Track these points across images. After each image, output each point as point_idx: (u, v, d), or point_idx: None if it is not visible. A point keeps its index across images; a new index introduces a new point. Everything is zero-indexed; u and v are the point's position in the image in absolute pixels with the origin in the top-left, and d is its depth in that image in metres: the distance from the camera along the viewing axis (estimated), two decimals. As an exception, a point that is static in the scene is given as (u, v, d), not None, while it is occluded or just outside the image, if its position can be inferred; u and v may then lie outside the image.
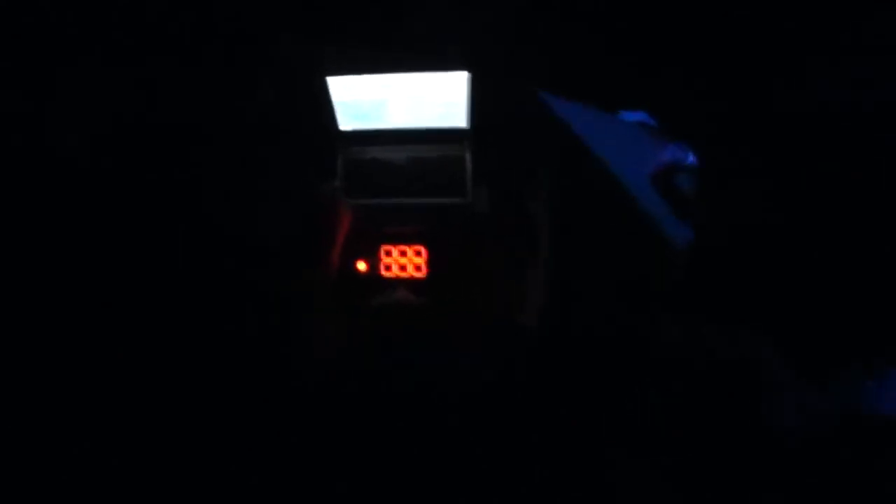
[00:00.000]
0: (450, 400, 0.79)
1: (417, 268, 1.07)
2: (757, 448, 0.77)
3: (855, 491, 0.72)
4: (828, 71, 0.94)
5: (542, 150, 1.04)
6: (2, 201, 1.05)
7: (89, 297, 1.03)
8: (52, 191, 1.07)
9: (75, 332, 1.01)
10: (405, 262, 1.07)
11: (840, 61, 0.93)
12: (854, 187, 0.91)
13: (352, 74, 1.01)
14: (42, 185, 1.07)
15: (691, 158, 0.95)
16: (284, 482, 0.77)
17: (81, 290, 1.04)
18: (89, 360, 0.99)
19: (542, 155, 1.03)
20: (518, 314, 0.89)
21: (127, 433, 0.93)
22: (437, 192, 1.07)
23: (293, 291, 0.96)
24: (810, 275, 0.89)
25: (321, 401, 0.79)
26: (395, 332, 0.87)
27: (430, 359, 0.83)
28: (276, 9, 1.01)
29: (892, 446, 0.73)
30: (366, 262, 1.07)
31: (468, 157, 1.06)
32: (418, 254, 1.07)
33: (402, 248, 1.07)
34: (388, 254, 1.07)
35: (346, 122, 1.07)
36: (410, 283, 1.05)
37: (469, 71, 0.98)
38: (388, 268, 1.07)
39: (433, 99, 1.02)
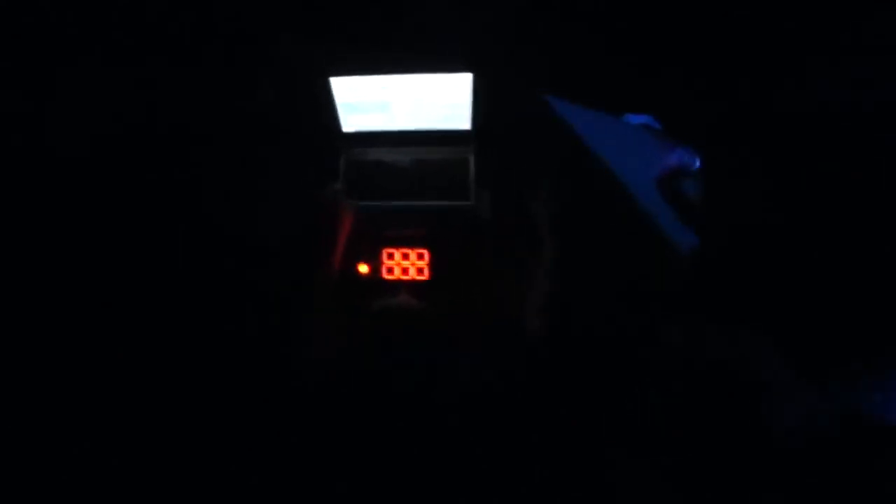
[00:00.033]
0: (450, 400, 0.79)
1: (420, 271, 1.06)
2: (757, 448, 0.77)
3: (855, 491, 0.72)
4: (828, 71, 0.94)
5: (546, 153, 1.03)
6: (2, 201, 1.05)
7: (89, 297, 1.03)
8: (52, 191, 1.07)
9: (75, 331, 1.01)
10: (407, 264, 1.07)
11: (840, 61, 0.93)
12: (854, 187, 0.91)
13: (355, 75, 1.01)
14: (42, 185, 1.07)
15: (698, 164, 0.95)
16: (284, 482, 0.77)
17: (81, 289, 1.04)
18: (89, 359, 0.99)
19: (546, 158, 1.03)
20: (520, 318, 0.89)
21: (127, 433, 0.93)
22: (440, 195, 1.07)
23: (293, 292, 0.96)
24: (810, 275, 0.89)
25: (321, 401, 0.79)
26: (395, 334, 0.87)
27: (430, 359, 0.83)
28: (276, 9, 1.01)
29: (893, 447, 0.73)
30: (367, 264, 1.07)
31: (471, 159, 1.06)
32: (420, 257, 1.07)
33: (405, 250, 1.07)
34: (391, 256, 1.07)
35: (348, 124, 1.07)
36: (412, 286, 1.05)
37: (473, 73, 0.98)
38: (389, 270, 1.07)
39: (437, 101, 1.02)
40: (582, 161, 0.98)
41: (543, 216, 0.93)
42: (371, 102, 1.04)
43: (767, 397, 0.81)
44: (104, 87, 1.06)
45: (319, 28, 1.02)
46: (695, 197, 0.97)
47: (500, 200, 1.06)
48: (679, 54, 0.99)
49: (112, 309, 1.03)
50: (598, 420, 0.86)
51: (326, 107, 1.04)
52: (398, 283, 1.05)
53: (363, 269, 1.07)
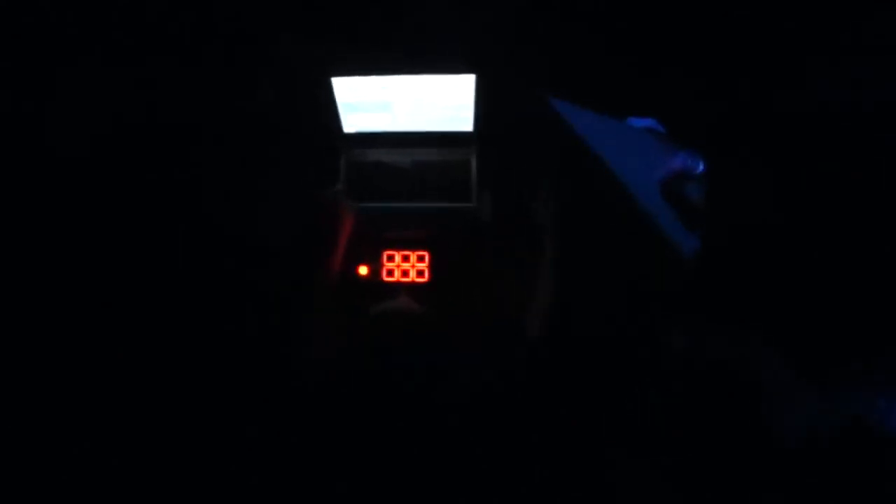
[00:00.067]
0: (450, 400, 0.79)
1: (420, 273, 1.05)
2: (757, 449, 0.77)
3: (855, 492, 0.72)
4: (828, 71, 0.94)
5: (548, 155, 1.03)
6: (2, 201, 1.05)
7: (89, 297, 1.03)
8: (52, 191, 1.07)
9: (75, 331, 1.01)
10: (407, 267, 1.06)
11: (840, 61, 0.93)
12: (854, 187, 0.91)
13: (358, 76, 1.00)
14: (42, 185, 1.07)
15: (702, 167, 0.94)
16: (284, 482, 0.77)
17: (81, 289, 1.04)
18: (89, 359, 0.99)
19: (548, 160, 1.03)
20: (521, 319, 0.89)
21: (127, 433, 0.93)
22: (441, 197, 1.06)
23: (293, 292, 0.96)
24: (811, 276, 0.89)
25: (321, 401, 0.79)
26: (395, 337, 0.87)
27: (430, 360, 0.83)
28: (276, 9, 1.01)
29: (893, 448, 0.73)
30: (367, 266, 1.06)
31: (473, 161, 1.06)
32: (421, 259, 1.06)
33: (405, 252, 1.06)
34: (391, 258, 1.06)
35: (349, 124, 1.07)
36: (412, 288, 1.04)
37: (476, 74, 0.97)
38: (390, 273, 1.06)
39: (438, 102, 1.02)
40: (584, 163, 0.98)
41: (545, 218, 0.93)
42: (372, 103, 1.03)
43: (768, 398, 0.81)
44: (104, 87, 1.06)
45: (320, 28, 1.02)
46: (698, 200, 0.97)
47: (502, 202, 1.06)
48: (679, 54, 0.99)
49: (112, 309, 1.03)
50: (598, 420, 0.86)
51: (327, 107, 1.04)
52: (398, 286, 1.05)
53: (363, 270, 1.06)
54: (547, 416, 0.85)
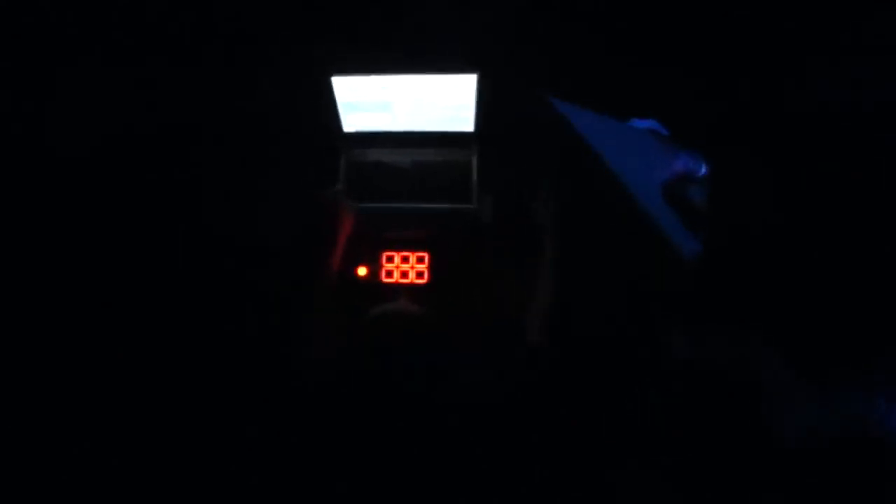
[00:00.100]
0: (450, 401, 0.79)
1: (419, 274, 1.04)
2: (757, 449, 0.77)
3: (855, 493, 0.72)
4: (828, 71, 0.94)
5: (549, 156, 1.03)
6: (2, 201, 1.05)
7: (89, 297, 1.03)
8: (53, 190, 1.07)
9: (75, 331, 1.01)
10: (407, 268, 1.05)
11: (840, 61, 0.93)
12: (854, 187, 0.91)
13: (358, 75, 1.00)
14: (42, 185, 1.07)
15: (704, 170, 0.94)
16: (284, 482, 0.77)
17: (81, 289, 1.04)
18: (89, 359, 0.99)
19: (549, 161, 1.02)
20: (521, 321, 0.88)
21: (127, 433, 0.93)
22: (441, 198, 1.05)
23: (293, 292, 0.96)
24: (811, 277, 0.89)
25: (321, 401, 0.79)
26: (394, 339, 0.85)
27: (430, 361, 0.83)
28: (276, 9, 1.01)
29: (893, 449, 0.73)
30: (366, 267, 1.05)
31: (474, 161, 1.05)
32: (420, 260, 1.05)
33: (405, 253, 1.05)
34: (390, 259, 1.05)
35: (349, 124, 1.06)
36: (412, 289, 1.03)
37: (478, 73, 0.96)
38: (389, 274, 1.05)
39: (440, 102, 1.01)
40: (585, 164, 0.98)
41: (545, 218, 0.93)
42: (372, 102, 1.03)
43: (768, 399, 0.81)
44: (104, 87, 1.06)
45: (320, 28, 1.02)
46: (700, 203, 0.96)
47: (502, 204, 1.05)
48: (679, 54, 0.99)
49: (112, 308, 1.03)
50: (598, 420, 0.86)
51: (327, 106, 1.03)
52: (397, 287, 1.04)
53: (362, 271, 1.05)
54: (547, 416, 0.85)
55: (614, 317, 0.95)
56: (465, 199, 1.05)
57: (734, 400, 0.81)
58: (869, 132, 0.93)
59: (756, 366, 0.84)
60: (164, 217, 1.09)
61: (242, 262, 1.06)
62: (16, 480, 0.88)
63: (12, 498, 0.88)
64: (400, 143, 1.07)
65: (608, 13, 0.97)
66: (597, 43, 1.00)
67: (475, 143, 1.05)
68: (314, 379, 0.82)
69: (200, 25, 1.01)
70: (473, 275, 1.02)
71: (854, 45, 0.90)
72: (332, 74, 1.00)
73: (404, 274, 1.05)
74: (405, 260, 1.05)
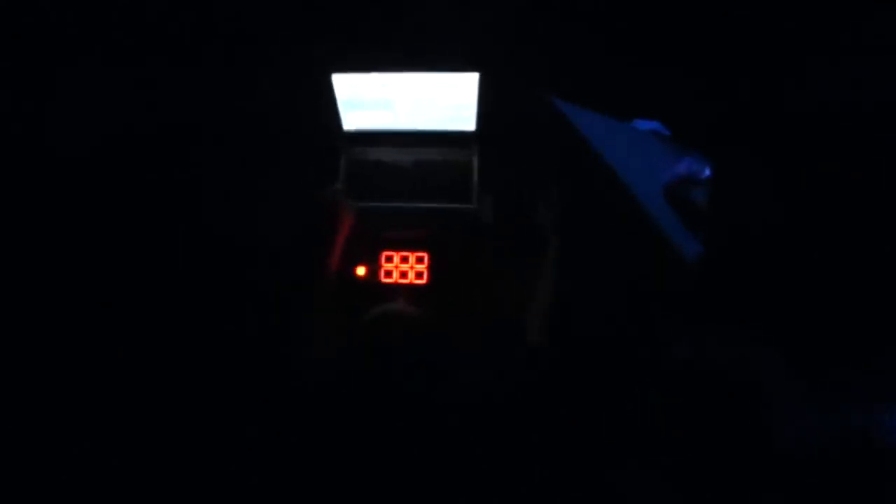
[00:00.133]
0: (450, 401, 0.79)
1: (419, 275, 1.04)
2: (757, 450, 0.77)
3: (855, 493, 0.72)
4: (828, 71, 0.94)
5: (551, 157, 1.02)
6: (2, 201, 1.05)
7: (89, 297, 1.03)
8: (53, 190, 1.07)
9: (75, 331, 1.01)
10: (406, 268, 1.04)
11: (840, 61, 0.92)
12: (854, 187, 0.91)
13: (359, 72, 0.99)
14: (42, 185, 1.07)
15: (707, 172, 0.94)
16: (284, 482, 0.77)
17: (82, 289, 1.04)
18: (89, 359, 0.99)
19: (551, 161, 1.02)
20: (521, 322, 0.87)
21: (127, 433, 0.93)
22: (441, 197, 1.05)
23: (293, 292, 0.96)
24: (811, 278, 0.89)
25: (321, 401, 0.79)
26: (392, 339, 0.84)
27: (430, 361, 0.82)
28: (276, 9, 1.01)
29: (892, 450, 0.73)
30: (365, 267, 1.04)
31: (475, 161, 1.04)
32: (420, 260, 1.04)
33: (404, 253, 1.04)
34: (389, 259, 1.04)
35: (349, 122, 1.06)
36: (410, 290, 1.03)
37: (480, 72, 0.96)
38: (388, 274, 1.04)
39: (441, 101, 1.01)
40: (587, 164, 0.97)
41: (546, 218, 0.93)
42: (373, 100, 1.02)
43: (767, 399, 0.81)
44: (104, 87, 1.06)
45: (320, 28, 1.02)
46: (703, 205, 0.96)
47: (503, 204, 1.05)
48: (678, 54, 0.99)
49: (112, 308, 1.03)
50: (598, 420, 0.86)
51: (328, 104, 1.03)
52: (396, 287, 1.03)
53: (360, 271, 1.04)
54: (547, 416, 0.85)
55: (614, 317, 0.95)
56: (465, 199, 1.04)
57: (734, 400, 0.81)
58: (869, 132, 0.93)
59: (756, 366, 0.84)
60: (163, 216, 1.09)
61: (242, 262, 1.05)
62: (16, 480, 0.88)
63: (12, 498, 0.88)
64: (400, 141, 1.06)
65: (608, 13, 0.97)
66: (597, 43, 1.00)
67: (476, 143, 1.05)
68: (314, 379, 0.82)
69: (200, 25, 1.01)
70: (473, 275, 1.02)
71: (854, 45, 0.90)
72: (332, 72, 1.00)
73: (403, 274, 1.04)
74: (404, 260, 1.04)
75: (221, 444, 0.90)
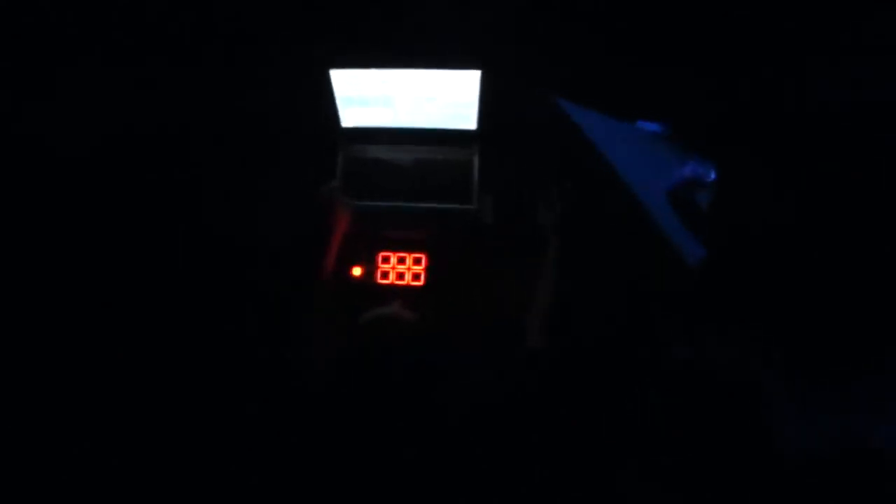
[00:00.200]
0: (450, 401, 0.79)
1: (416, 276, 1.02)
2: (756, 450, 0.77)
3: (854, 492, 0.72)
4: (828, 71, 0.94)
5: (554, 157, 1.01)
6: (2, 201, 1.05)
7: (89, 297, 1.03)
8: (53, 190, 1.07)
9: (75, 331, 1.01)
10: (403, 269, 1.02)
11: (840, 61, 0.92)
12: (854, 187, 0.91)
13: (357, 68, 0.98)
14: (42, 185, 1.07)
15: (713, 175, 0.93)
16: (284, 482, 0.77)
17: (81, 289, 1.04)
18: (88, 358, 0.99)
19: (553, 161, 1.01)
20: (520, 324, 0.87)
21: (127, 433, 0.93)
22: (441, 197, 1.03)
23: (293, 292, 0.96)
24: (811, 280, 0.89)
25: (320, 401, 0.79)
26: (387, 344, 0.83)
27: (430, 361, 0.82)
28: (276, 9, 1.00)
29: (892, 452, 0.74)
30: (361, 267, 1.03)
31: (475, 161, 1.03)
32: (417, 261, 1.02)
33: (401, 254, 1.03)
34: (386, 260, 1.03)
35: (348, 118, 1.05)
36: (407, 291, 1.01)
37: (482, 70, 0.95)
38: (384, 275, 1.02)
39: (442, 98, 1.00)
40: (589, 165, 0.97)
41: (548, 219, 0.92)
42: (372, 97, 1.01)
43: (767, 399, 0.81)
44: (104, 87, 1.06)
45: (320, 28, 1.02)
46: (706, 207, 0.95)
47: (503, 205, 1.04)
48: (678, 55, 0.99)
49: (112, 308, 1.03)
50: (598, 420, 0.86)
51: (326, 100, 1.02)
52: (392, 289, 1.01)
53: (356, 272, 1.03)
54: (547, 416, 0.85)
55: (614, 317, 0.95)
56: (465, 200, 1.03)
57: (734, 400, 0.81)
58: (869, 132, 0.93)
59: (756, 366, 0.84)
60: (163, 216, 1.09)
61: (242, 262, 1.05)
62: (16, 480, 0.88)
63: (12, 498, 0.88)
64: (400, 139, 1.05)
65: (608, 13, 0.97)
66: (596, 43, 1.00)
67: (477, 142, 1.04)
68: (314, 378, 0.82)
69: (200, 25, 1.01)
70: (472, 276, 1.01)
71: (854, 45, 0.90)
72: (329, 67, 0.99)
73: (400, 275, 1.02)
74: (401, 261, 1.03)
75: (221, 444, 0.90)
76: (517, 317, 0.86)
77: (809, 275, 0.90)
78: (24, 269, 1.03)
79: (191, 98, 1.08)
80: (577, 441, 0.85)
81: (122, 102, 1.07)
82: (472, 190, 1.02)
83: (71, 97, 1.06)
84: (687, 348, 0.88)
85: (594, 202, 0.94)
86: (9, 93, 1.05)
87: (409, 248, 1.03)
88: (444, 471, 0.73)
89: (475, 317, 0.98)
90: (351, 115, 1.05)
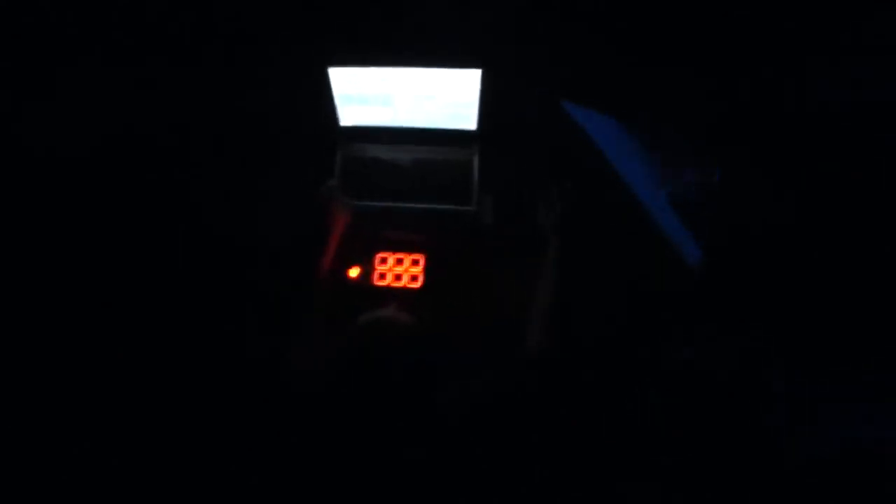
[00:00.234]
0: (450, 401, 0.79)
1: (413, 278, 1.00)
2: (756, 450, 0.77)
3: (853, 492, 0.72)
4: (828, 71, 0.94)
5: (554, 157, 1.01)
6: (2, 201, 1.05)
7: (89, 296, 1.03)
8: (53, 190, 1.07)
9: (74, 331, 1.01)
10: (401, 270, 1.01)
11: (840, 61, 0.92)
12: (854, 187, 0.91)
13: (356, 66, 0.97)
14: (42, 185, 1.07)
15: (717, 177, 0.93)
16: (284, 482, 0.77)
17: (81, 289, 1.04)
18: (88, 359, 0.99)
19: (555, 161, 1.00)
20: (521, 328, 0.87)
21: (127, 432, 0.93)
22: (440, 198, 1.02)
23: (293, 292, 0.96)
24: (811, 278, 0.89)
25: (320, 401, 0.79)
26: (383, 347, 0.81)
27: (429, 362, 0.82)
28: (276, 9, 1.00)
29: (891, 453, 0.74)
30: (358, 268, 1.01)
31: (475, 161, 1.02)
32: (415, 263, 1.01)
33: (399, 255, 1.01)
34: (383, 261, 1.01)
35: (346, 117, 1.04)
36: (404, 294, 0.99)
37: (483, 69, 0.94)
38: (381, 276, 1.01)
39: (442, 98, 0.99)
40: (589, 165, 0.96)
41: (547, 219, 0.92)
42: (372, 95, 1.00)
43: (767, 400, 0.81)
44: (104, 87, 1.06)
45: (320, 28, 1.02)
46: (708, 209, 0.95)
47: (503, 206, 1.03)
48: (678, 55, 0.99)
49: (111, 308, 1.03)
50: (598, 420, 0.86)
51: (325, 98, 1.01)
52: (389, 291, 1.00)
53: (353, 273, 1.01)
54: (547, 416, 0.85)
55: (614, 317, 0.95)
56: (464, 201, 1.02)
57: (734, 400, 0.81)
58: (869, 132, 0.93)
59: (756, 367, 0.84)
60: (162, 216, 1.09)
61: (241, 262, 1.05)
62: (16, 480, 0.88)
63: (12, 498, 0.88)
64: (399, 138, 1.04)
65: (608, 13, 0.97)
66: (596, 43, 1.00)
67: (477, 142, 1.03)
68: (313, 379, 0.82)
69: (200, 25, 1.01)
70: (471, 278, 1.00)
71: (854, 45, 0.90)
72: (328, 65, 0.98)
73: (398, 277, 1.01)
74: (399, 262, 1.02)
75: (221, 444, 0.90)
76: (517, 317, 0.86)
77: (809, 275, 0.90)
78: (24, 269, 1.03)
79: (190, 98, 1.08)
80: (577, 441, 0.85)
81: (122, 102, 1.07)
82: (472, 190, 1.01)
83: (71, 97, 1.06)
84: (687, 348, 0.88)
85: (594, 202, 0.94)
86: (9, 93, 1.05)
87: (408, 249, 1.02)
88: (445, 471, 0.73)
89: (474, 317, 0.97)
90: (350, 113, 1.04)
